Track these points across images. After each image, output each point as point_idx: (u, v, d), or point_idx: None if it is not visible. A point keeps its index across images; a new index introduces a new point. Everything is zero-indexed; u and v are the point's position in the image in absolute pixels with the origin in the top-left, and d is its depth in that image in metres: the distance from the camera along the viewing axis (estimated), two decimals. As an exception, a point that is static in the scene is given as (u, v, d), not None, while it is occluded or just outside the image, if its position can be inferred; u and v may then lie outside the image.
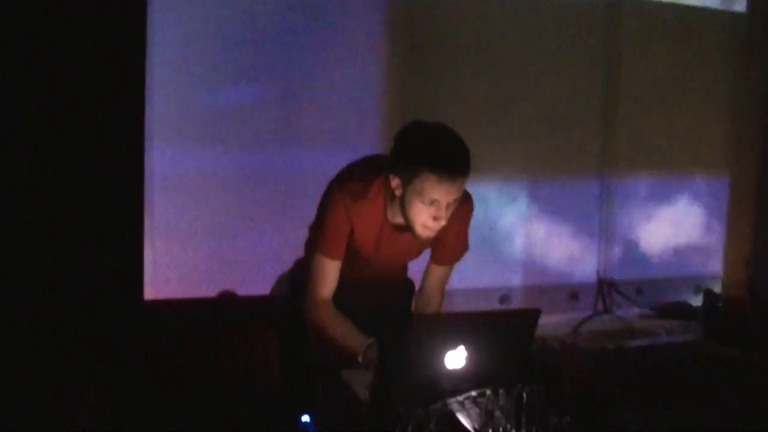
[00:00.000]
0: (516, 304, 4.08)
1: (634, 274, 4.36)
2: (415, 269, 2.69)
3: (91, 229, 2.84)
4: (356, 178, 2.38)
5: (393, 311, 2.60)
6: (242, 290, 2.84)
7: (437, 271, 2.57)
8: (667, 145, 4.36)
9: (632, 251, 4.38)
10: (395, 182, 2.26)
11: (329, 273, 2.39)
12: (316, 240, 2.42)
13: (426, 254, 2.57)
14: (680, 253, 4.48)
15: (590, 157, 4.25)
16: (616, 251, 4.35)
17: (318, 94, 3.66)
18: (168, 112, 3.38)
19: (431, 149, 2.20)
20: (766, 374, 2.33)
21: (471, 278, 3.99)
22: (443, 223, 2.25)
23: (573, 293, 4.28)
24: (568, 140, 4.16)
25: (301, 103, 3.65)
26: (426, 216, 2.24)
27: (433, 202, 2.21)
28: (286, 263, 2.78)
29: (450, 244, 2.50)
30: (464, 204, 2.39)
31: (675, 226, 4.46)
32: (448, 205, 2.23)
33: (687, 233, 4.49)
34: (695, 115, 4.39)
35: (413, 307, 2.66)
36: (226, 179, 3.58)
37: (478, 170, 3.56)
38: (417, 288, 2.66)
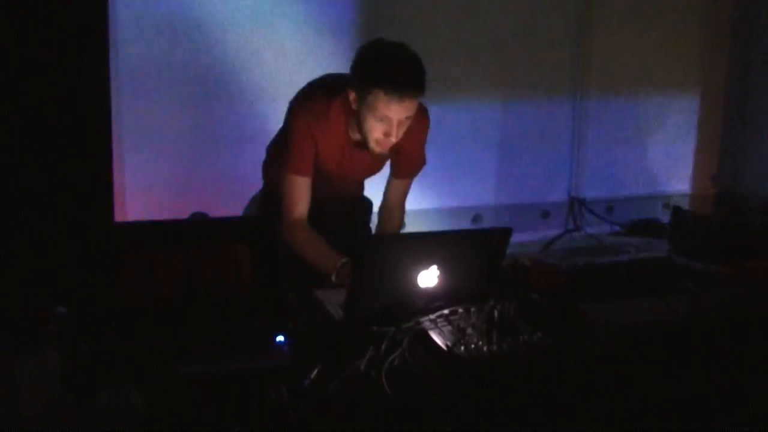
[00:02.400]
0: (488, 223, 4.10)
1: (604, 192, 4.39)
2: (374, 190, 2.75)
3: (62, 152, 2.81)
4: (317, 98, 2.41)
5: (355, 228, 2.66)
6: (215, 213, 2.83)
7: (398, 184, 2.65)
8: (639, 64, 4.33)
9: (603, 170, 4.40)
10: (352, 96, 2.31)
11: (301, 190, 2.43)
12: (284, 159, 2.45)
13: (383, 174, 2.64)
14: (650, 171, 4.51)
15: (563, 76, 4.22)
16: (587, 170, 4.37)
17: (288, 9, 3.59)
18: (134, 17, 3.34)
19: (383, 68, 2.23)
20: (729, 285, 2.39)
21: (443, 198, 4.00)
22: (394, 140, 2.30)
23: (544, 212, 4.31)
24: (541, 58, 4.12)
25: (273, 20, 3.58)
26: (378, 132, 2.29)
27: (383, 118, 2.25)
28: (258, 184, 2.77)
29: (408, 158, 2.57)
30: (421, 119, 2.43)
31: (645, 145, 4.47)
32: (400, 122, 2.27)
33: (657, 152, 4.51)
34: (667, 35, 4.35)
35: (376, 223, 2.74)
36: (196, 99, 3.52)
37: (450, 87, 3.52)
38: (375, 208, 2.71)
